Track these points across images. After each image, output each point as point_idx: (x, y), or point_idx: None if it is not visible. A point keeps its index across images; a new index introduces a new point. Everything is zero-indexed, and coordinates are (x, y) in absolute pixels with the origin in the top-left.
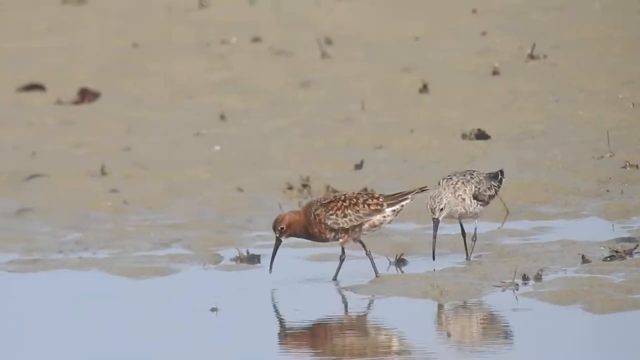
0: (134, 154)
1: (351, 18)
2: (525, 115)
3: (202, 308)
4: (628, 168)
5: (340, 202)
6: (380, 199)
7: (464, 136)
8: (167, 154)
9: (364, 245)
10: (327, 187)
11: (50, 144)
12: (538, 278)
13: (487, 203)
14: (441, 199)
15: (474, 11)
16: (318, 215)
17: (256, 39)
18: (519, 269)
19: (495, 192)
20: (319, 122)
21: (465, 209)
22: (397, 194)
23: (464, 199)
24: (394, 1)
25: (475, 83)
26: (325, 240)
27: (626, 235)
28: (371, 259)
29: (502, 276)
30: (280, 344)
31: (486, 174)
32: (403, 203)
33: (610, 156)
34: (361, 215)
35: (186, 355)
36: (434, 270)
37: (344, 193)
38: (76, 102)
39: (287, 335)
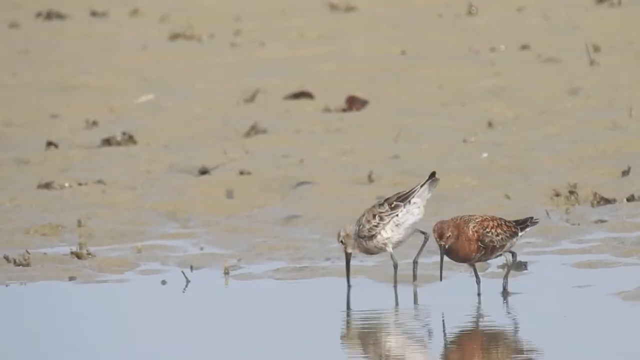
0: (401, 161)
1: (620, 25)
2: None
3: (465, 314)
4: None
5: (489, 221)
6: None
7: None
8: (434, 161)
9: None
10: (595, 194)
11: (318, 152)
12: None
13: (372, 236)
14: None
15: None
16: (477, 231)
17: (525, 47)
18: None
19: (381, 219)
20: (587, 129)
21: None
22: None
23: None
24: None
25: None
26: (471, 260)
27: None
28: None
29: None
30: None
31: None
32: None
33: None
34: (508, 235)
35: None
36: None
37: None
38: (344, 110)
39: (559, 341)
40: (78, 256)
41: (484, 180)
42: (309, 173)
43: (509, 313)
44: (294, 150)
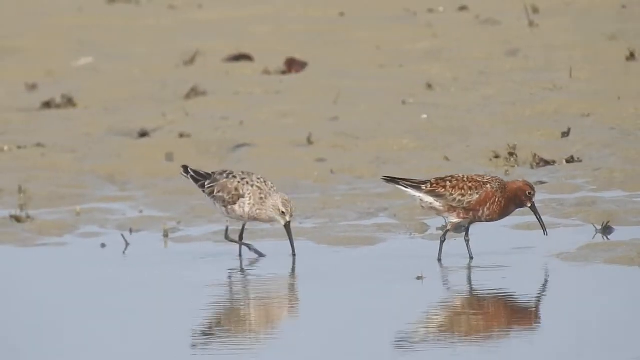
0: (340, 123)
1: None
2: None
3: (408, 276)
4: None
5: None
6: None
7: None
8: (374, 123)
9: None
10: (534, 156)
11: (257, 114)
12: None
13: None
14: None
15: None
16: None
17: (463, 8)
18: None
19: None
20: (526, 90)
21: None
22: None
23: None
24: None
25: None
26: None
27: None
28: None
29: None
30: (479, 313)
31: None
32: None
33: None
34: None
35: (390, 323)
36: None
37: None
38: (283, 72)
39: (491, 305)
40: (17, 219)
41: (423, 142)
42: (248, 135)
43: (446, 275)
44: (233, 113)
